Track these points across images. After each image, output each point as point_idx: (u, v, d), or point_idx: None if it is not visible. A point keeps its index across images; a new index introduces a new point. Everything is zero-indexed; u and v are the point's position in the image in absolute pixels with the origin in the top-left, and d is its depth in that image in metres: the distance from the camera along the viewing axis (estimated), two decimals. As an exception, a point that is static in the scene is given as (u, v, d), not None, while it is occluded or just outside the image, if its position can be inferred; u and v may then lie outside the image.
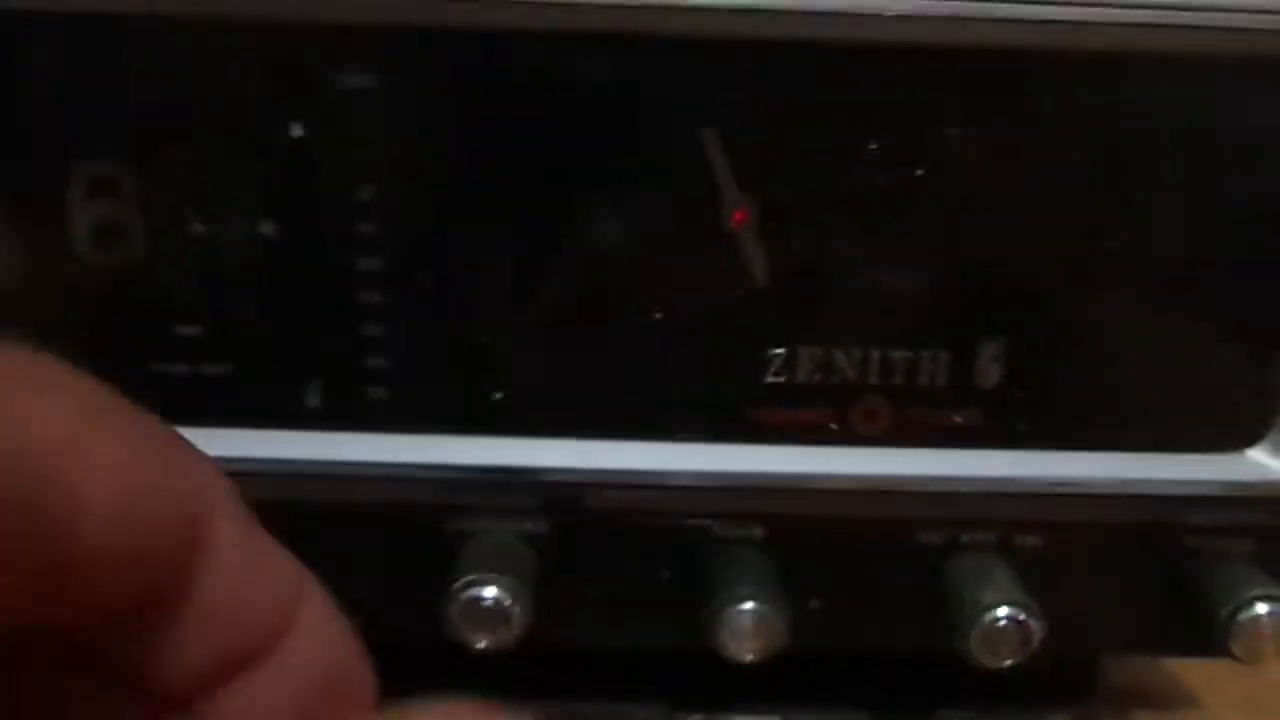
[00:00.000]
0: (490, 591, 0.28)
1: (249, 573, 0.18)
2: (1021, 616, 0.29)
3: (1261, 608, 0.29)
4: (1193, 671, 0.39)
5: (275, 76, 0.27)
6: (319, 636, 0.19)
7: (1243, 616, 0.29)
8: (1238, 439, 0.31)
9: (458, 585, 0.28)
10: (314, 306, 0.29)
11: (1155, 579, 0.31)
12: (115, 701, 0.18)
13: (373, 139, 0.28)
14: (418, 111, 0.28)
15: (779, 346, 0.30)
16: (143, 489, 0.16)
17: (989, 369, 0.30)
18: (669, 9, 0.27)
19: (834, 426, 0.31)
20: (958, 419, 0.31)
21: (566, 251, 0.29)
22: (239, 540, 0.18)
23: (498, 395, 0.30)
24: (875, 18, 0.26)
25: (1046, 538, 0.31)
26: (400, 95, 0.28)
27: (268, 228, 0.28)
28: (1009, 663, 0.29)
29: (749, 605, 0.29)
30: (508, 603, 0.28)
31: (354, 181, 0.28)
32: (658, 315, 0.30)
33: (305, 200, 0.28)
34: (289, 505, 0.24)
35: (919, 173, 0.29)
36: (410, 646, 0.25)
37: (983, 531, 0.31)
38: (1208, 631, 0.30)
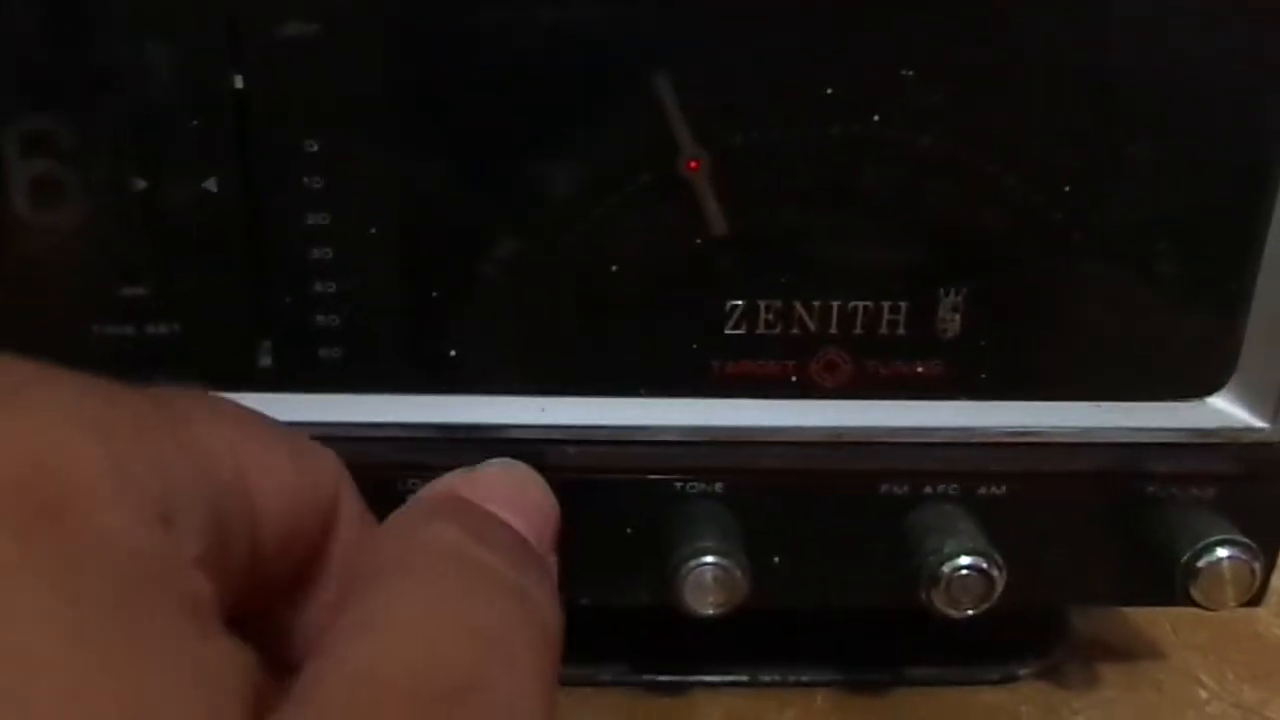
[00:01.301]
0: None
1: (364, 550, 0.21)
2: (983, 565, 0.29)
3: (1222, 552, 0.29)
4: (1156, 621, 0.40)
5: (214, 26, 0.26)
6: None
7: (1203, 562, 0.29)
8: (1199, 387, 0.31)
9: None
10: (262, 264, 0.29)
11: (1118, 527, 0.31)
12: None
13: (316, 89, 0.27)
14: (362, 61, 0.27)
15: (737, 298, 0.30)
16: (296, 485, 0.19)
17: (949, 319, 0.30)
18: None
19: (794, 379, 0.31)
20: (919, 370, 0.31)
21: (519, 204, 0.29)
22: (356, 516, 0.21)
23: (452, 352, 0.30)
24: (828, -41, 0.26)
25: (1009, 487, 0.31)
26: (344, 44, 0.27)
27: (211, 183, 0.27)
28: (970, 612, 0.29)
29: (710, 559, 0.28)
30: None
31: (298, 134, 0.27)
32: (613, 268, 0.29)
33: (249, 154, 0.27)
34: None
35: (875, 119, 0.28)
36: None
37: (945, 482, 0.31)
38: (1170, 579, 0.30)
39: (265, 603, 0.20)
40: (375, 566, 0.19)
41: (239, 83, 0.27)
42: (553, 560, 0.23)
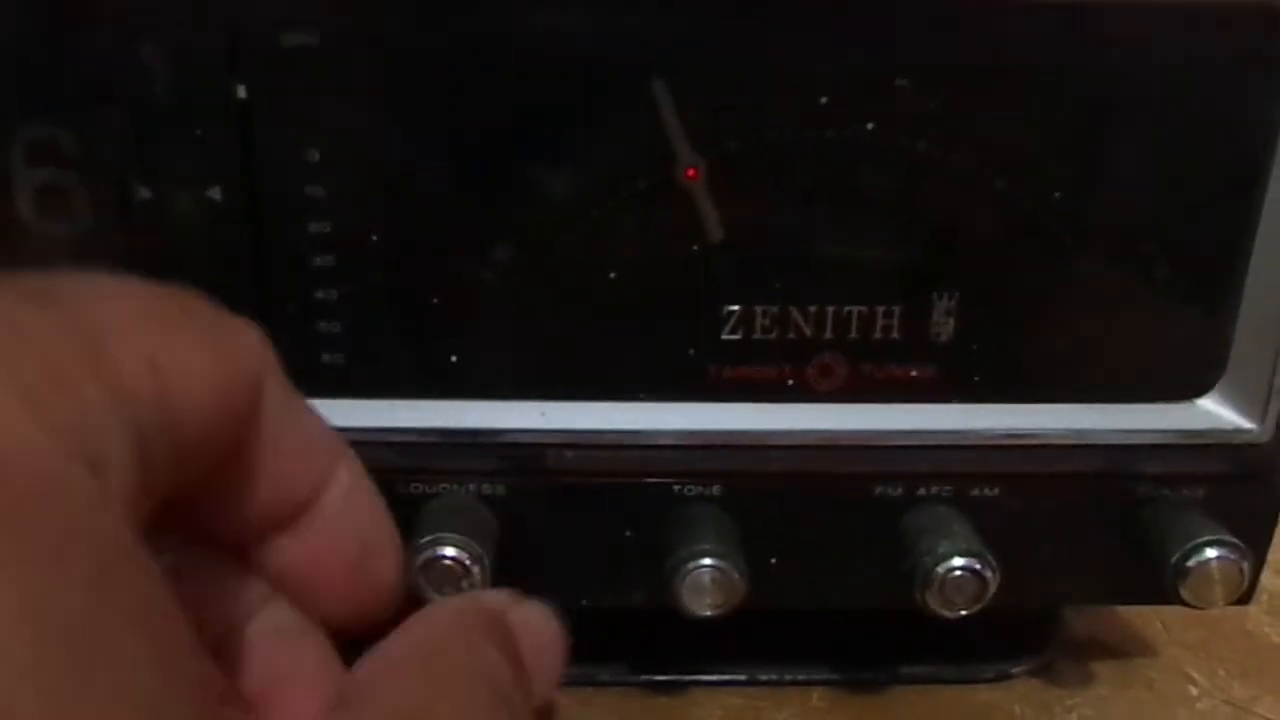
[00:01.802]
0: (450, 551, 0.28)
1: (292, 429, 0.21)
2: (977, 566, 0.29)
3: (1211, 552, 0.30)
4: (1149, 619, 0.40)
5: (217, 37, 0.27)
6: (353, 497, 0.23)
7: (1192, 562, 0.30)
8: (1188, 389, 0.32)
9: (418, 545, 0.28)
10: (265, 272, 0.29)
11: (1109, 528, 0.32)
12: (202, 568, 0.21)
13: (318, 99, 0.27)
14: (363, 71, 0.28)
15: (734, 303, 0.30)
16: (215, 376, 0.19)
17: (943, 323, 0.30)
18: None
19: (790, 382, 0.31)
20: (913, 373, 0.31)
21: (519, 211, 0.29)
22: (282, 400, 0.21)
23: (453, 358, 0.30)
24: (823, -30, 0.26)
25: (1002, 489, 0.31)
26: (344, 54, 0.27)
27: (215, 192, 0.28)
28: (964, 613, 0.30)
29: (707, 561, 0.29)
30: (468, 561, 0.28)
31: (300, 143, 0.28)
32: (611, 274, 0.30)
33: (252, 163, 0.28)
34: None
35: (870, 127, 0.29)
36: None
37: (939, 484, 0.31)
38: (1160, 578, 0.30)
39: (191, 488, 0.19)
40: (424, 645, 0.20)
41: (242, 93, 0.27)
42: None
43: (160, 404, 0.17)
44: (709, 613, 0.29)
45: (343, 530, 0.22)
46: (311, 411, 0.22)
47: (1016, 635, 0.38)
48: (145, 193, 0.28)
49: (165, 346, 0.18)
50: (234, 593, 0.22)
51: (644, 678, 0.37)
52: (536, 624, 0.23)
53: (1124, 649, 0.39)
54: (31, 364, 0.16)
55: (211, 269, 0.29)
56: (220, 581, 0.22)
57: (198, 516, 0.21)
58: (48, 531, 0.14)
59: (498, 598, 0.24)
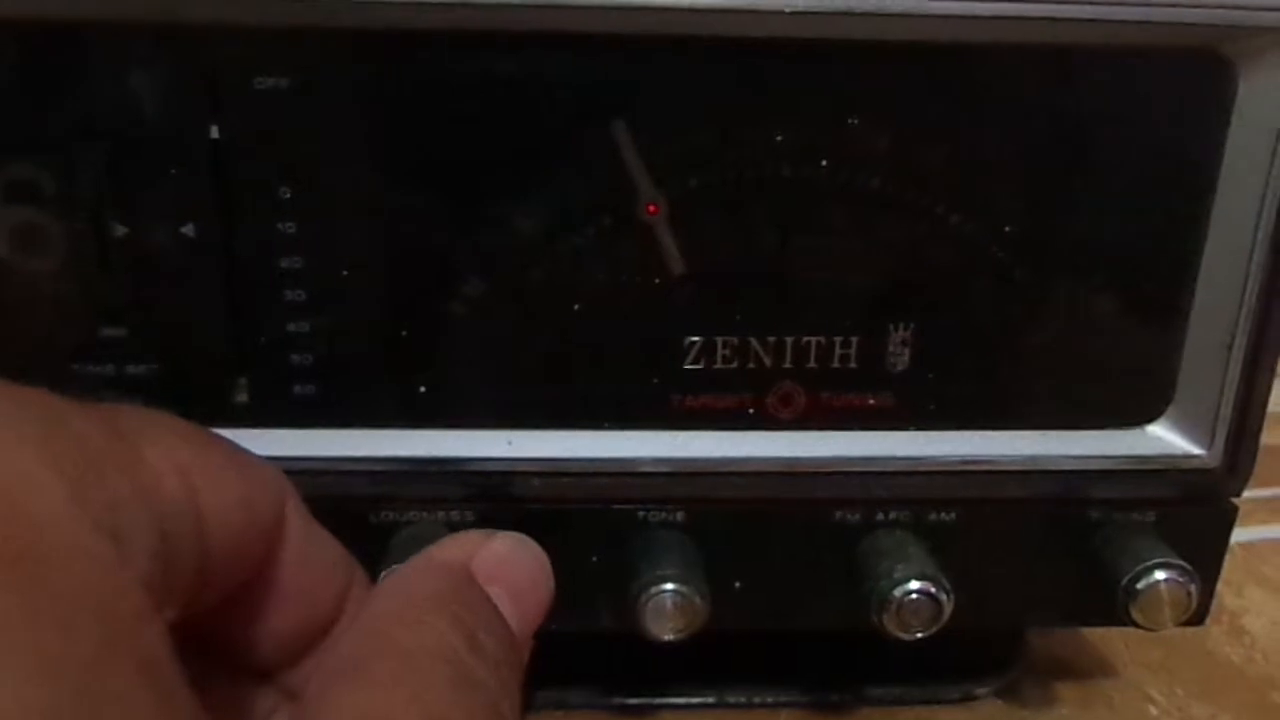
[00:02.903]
0: (418, 579, 0.29)
1: (313, 554, 0.23)
2: (932, 590, 0.30)
3: (1159, 575, 0.30)
4: (1111, 640, 0.41)
5: (192, 79, 0.28)
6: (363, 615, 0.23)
7: (1142, 584, 0.30)
8: (1138, 416, 0.32)
9: (385, 574, 0.29)
10: (238, 306, 0.30)
11: (1063, 551, 0.32)
12: (221, 681, 0.23)
13: (290, 139, 0.28)
14: (334, 112, 0.28)
15: (696, 335, 0.31)
16: (243, 500, 0.20)
17: (899, 353, 0.31)
18: (578, 8, 0.27)
19: (751, 411, 0.32)
20: (870, 402, 0.32)
21: (486, 246, 0.30)
22: (303, 528, 0.22)
23: (422, 388, 0.31)
24: (776, 14, 0.27)
25: (958, 514, 0.32)
26: (315, 96, 0.28)
27: (189, 229, 0.29)
28: (920, 635, 0.30)
29: (669, 586, 0.30)
30: (435, 590, 0.29)
31: (273, 181, 0.29)
32: (576, 307, 0.31)
33: (225, 201, 0.29)
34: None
35: (824, 164, 0.29)
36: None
37: (896, 509, 0.32)
38: (1111, 600, 0.31)
39: (216, 606, 0.21)
40: (372, 641, 0.20)
41: (215, 133, 0.28)
42: (529, 645, 0.24)
43: (188, 508, 0.19)
44: (671, 637, 0.30)
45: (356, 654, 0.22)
46: (329, 537, 0.23)
47: (981, 656, 0.39)
48: (121, 229, 0.29)
49: (196, 461, 0.20)
50: (248, 704, 0.23)
51: (614, 700, 0.37)
52: (510, 558, 0.24)
53: (1086, 669, 0.40)
54: (73, 452, 0.17)
55: (186, 303, 0.30)
56: (234, 693, 0.23)
57: (228, 648, 0.22)
58: (67, 595, 0.15)
59: (463, 543, 0.24)
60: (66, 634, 0.15)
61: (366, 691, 0.19)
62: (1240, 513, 0.51)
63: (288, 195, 0.29)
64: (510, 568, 0.24)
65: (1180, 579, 0.30)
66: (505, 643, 0.22)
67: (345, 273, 0.30)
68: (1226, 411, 0.31)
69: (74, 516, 0.16)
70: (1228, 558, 0.47)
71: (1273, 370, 0.31)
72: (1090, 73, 0.30)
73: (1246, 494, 0.53)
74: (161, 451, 0.19)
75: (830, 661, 0.38)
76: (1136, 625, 0.31)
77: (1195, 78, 0.29)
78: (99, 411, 0.19)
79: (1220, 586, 0.45)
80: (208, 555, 0.20)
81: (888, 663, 0.38)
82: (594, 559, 0.32)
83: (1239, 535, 0.48)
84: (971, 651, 0.39)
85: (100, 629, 0.15)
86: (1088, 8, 0.28)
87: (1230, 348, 0.31)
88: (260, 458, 0.22)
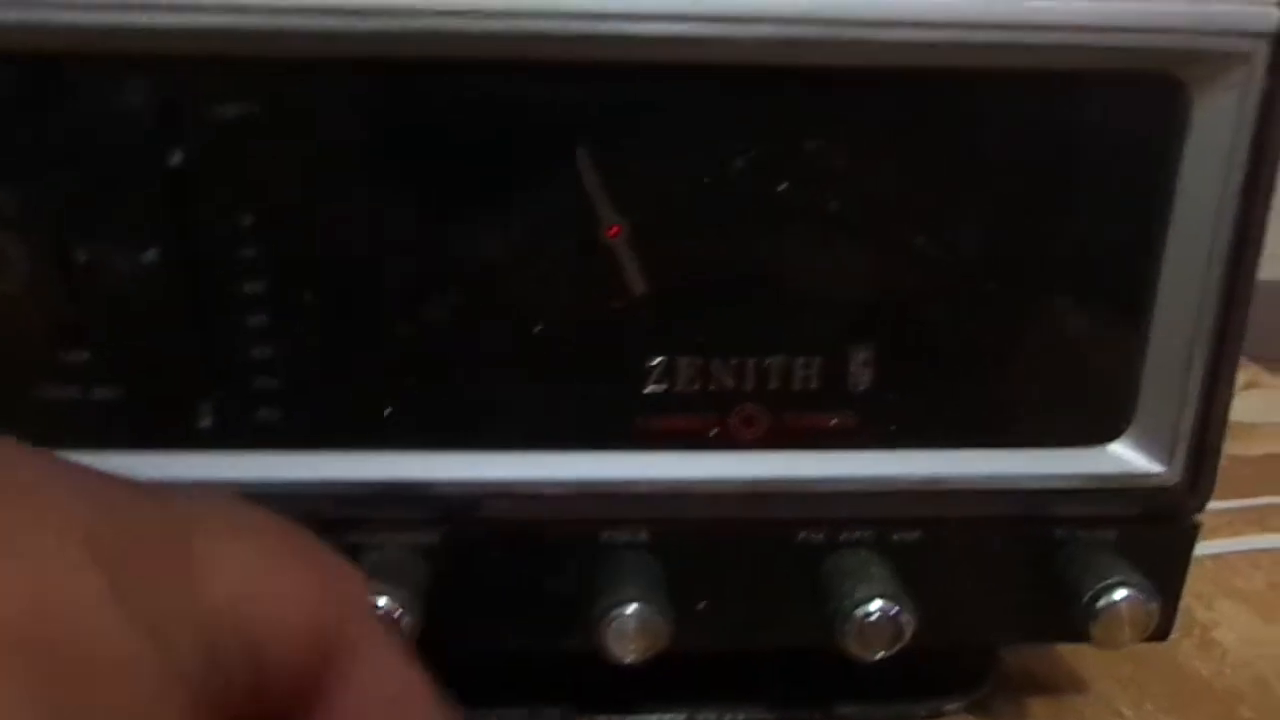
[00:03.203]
0: (382, 601, 0.29)
1: (386, 679, 0.20)
2: (894, 610, 0.30)
3: (1120, 593, 0.31)
4: (1081, 654, 0.41)
5: (154, 107, 0.28)
6: None
7: (1102, 603, 0.31)
8: (1099, 434, 0.33)
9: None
10: (202, 330, 0.30)
11: (1025, 569, 0.33)
12: None
13: (250, 166, 0.28)
14: (295, 138, 0.29)
15: (658, 356, 0.31)
16: (307, 618, 0.18)
17: (861, 373, 0.32)
18: (539, 36, 0.28)
19: (714, 432, 0.32)
20: (833, 422, 0.32)
21: (448, 269, 0.30)
22: (380, 650, 0.20)
23: (386, 411, 0.31)
24: (735, 41, 0.27)
25: (921, 533, 0.32)
26: (277, 122, 0.28)
27: (151, 255, 0.29)
28: (882, 655, 0.31)
29: (631, 608, 0.30)
30: (398, 613, 0.29)
31: (234, 207, 0.29)
32: (539, 329, 0.31)
33: (187, 227, 0.29)
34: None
35: (784, 187, 0.30)
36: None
37: (860, 529, 0.32)
38: (1073, 618, 0.31)
39: None
40: None
41: (177, 159, 0.28)
42: None
43: (241, 631, 0.18)
44: (633, 659, 0.30)
45: None
46: (410, 662, 0.21)
47: (952, 672, 0.39)
48: (83, 255, 0.29)
49: (259, 559, 0.18)
50: None
51: (584, 718, 0.37)
52: None
53: (1057, 684, 0.40)
54: (117, 534, 0.16)
55: (148, 328, 0.30)
56: None
57: None
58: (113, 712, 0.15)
59: None
60: None
61: None
62: (1211, 525, 0.51)
63: (249, 221, 0.29)
64: None
65: (1140, 597, 0.30)
66: None
67: (308, 297, 0.30)
68: (1186, 430, 0.31)
69: (119, 623, 0.16)
70: (1198, 570, 0.47)
71: (1230, 389, 0.31)
72: (1047, 96, 0.30)
73: (1217, 505, 0.53)
74: (218, 547, 0.18)
75: (801, 678, 0.38)
76: (1097, 643, 0.31)
77: (1150, 101, 0.29)
78: (153, 498, 0.18)
79: (1191, 599, 0.45)
80: (264, 665, 0.18)
81: (858, 679, 0.38)
82: (558, 580, 0.32)
83: (1210, 548, 0.49)
84: (942, 668, 0.39)
85: None
86: (1043, 33, 0.28)
87: (1188, 367, 0.31)
88: (340, 559, 0.20)
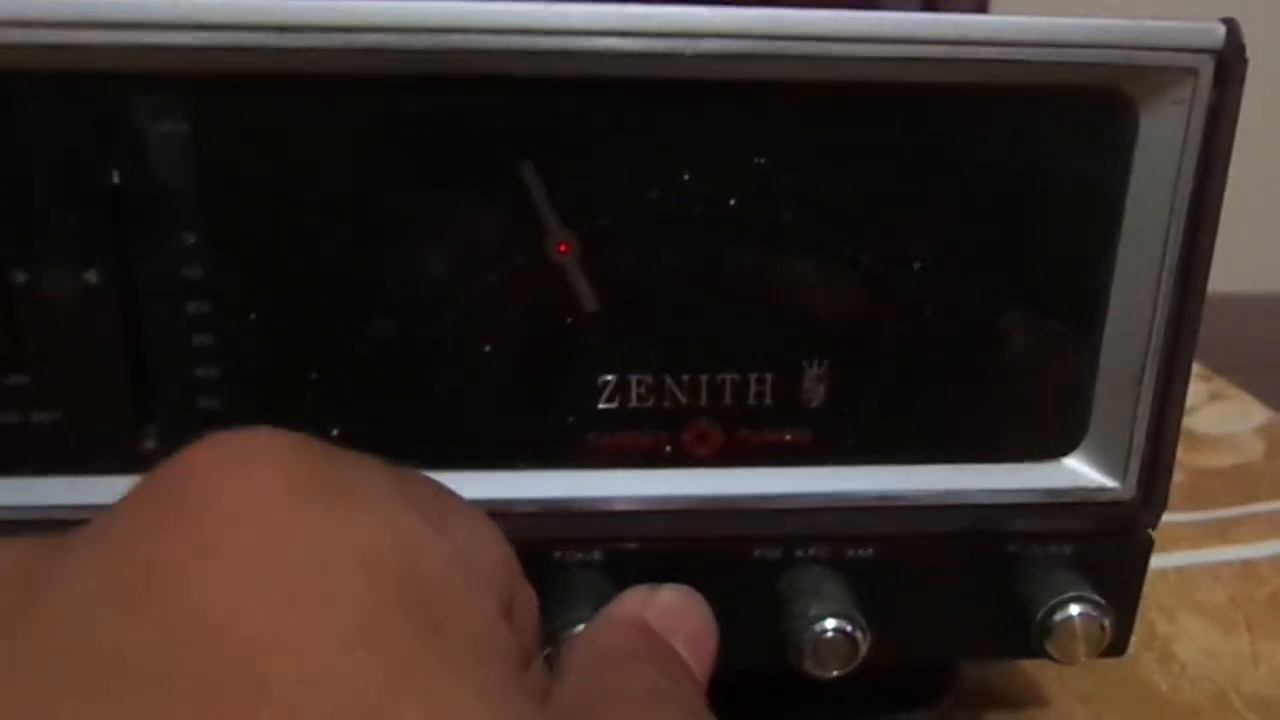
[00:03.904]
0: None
1: (527, 592, 0.24)
2: (848, 628, 0.30)
3: (1074, 609, 0.31)
4: (1043, 668, 0.41)
5: (93, 125, 0.27)
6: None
7: (1056, 618, 0.31)
8: (1053, 449, 0.33)
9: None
10: (144, 351, 0.29)
11: (980, 585, 0.33)
12: None
13: (191, 184, 0.28)
14: (237, 155, 0.28)
15: (609, 373, 0.31)
16: (503, 549, 0.23)
17: (814, 389, 0.31)
18: (482, 51, 0.27)
19: (667, 449, 0.32)
20: (786, 438, 0.32)
21: (396, 288, 0.30)
22: (525, 584, 0.24)
23: (334, 431, 0.31)
24: (677, 57, 0.27)
25: (876, 549, 0.32)
26: (218, 140, 0.28)
27: (91, 275, 0.28)
28: (837, 674, 0.30)
29: (581, 629, 0.29)
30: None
31: (176, 226, 0.28)
32: (488, 348, 0.30)
33: (129, 247, 0.28)
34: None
35: (732, 203, 0.30)
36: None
37: (815, 546, 0.32)
38: (1028, 634, 0.31)
39: None
40: (596, 688, 0.22)
41: (116, 178, 0.28)
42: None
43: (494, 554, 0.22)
44: (585, 680, 0.30)
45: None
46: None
47: (911, 686, 0.39)
48: (21, 276, 0.28)
49: (482, 525, 0.22)
50: None
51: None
52: (681, 609, 0.25)
53: (1017, 699, 0.40)
54: (429, 503, 0.21)
55: (91, 350, 0.29)
56: None
57: None
58: (471, 637, 0.18)
59: (635, 599, 0.26)
60: (479, 666, 0.17)
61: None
62: (1174, 537, 0.51)
63: (191, 241, 0.28)
64: (683, 618, 0.25)
65: (1094, 613, 0.30)
66: (695, 685, 0.24)
67: (253, 316, 0.29)
68: (1139, 444, 0.31)
69: (453, 566, 0.19)
70: (1161, 583, 0.48)
71: (1183, 402, 0.31)
72: (996, 112, 0.30)
73: (1181, 518, 0.53)
74: (461, 506, 0.22)
75: (757, 692, 0.38)
76: (1052, 659, 0.31)
77: (1098, 118, 0.30)
78: (408, 471, 0.22)
79: (1154, 612, 0.45)
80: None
81: (816, 692, 0.38)
82: (512, 600, 0.32)
83: (1172, 560, 0.49)
84: (902, 681, 0.39)
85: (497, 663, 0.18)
86: (990, 49, 0.28)
87: (1140, 381, 0.31)
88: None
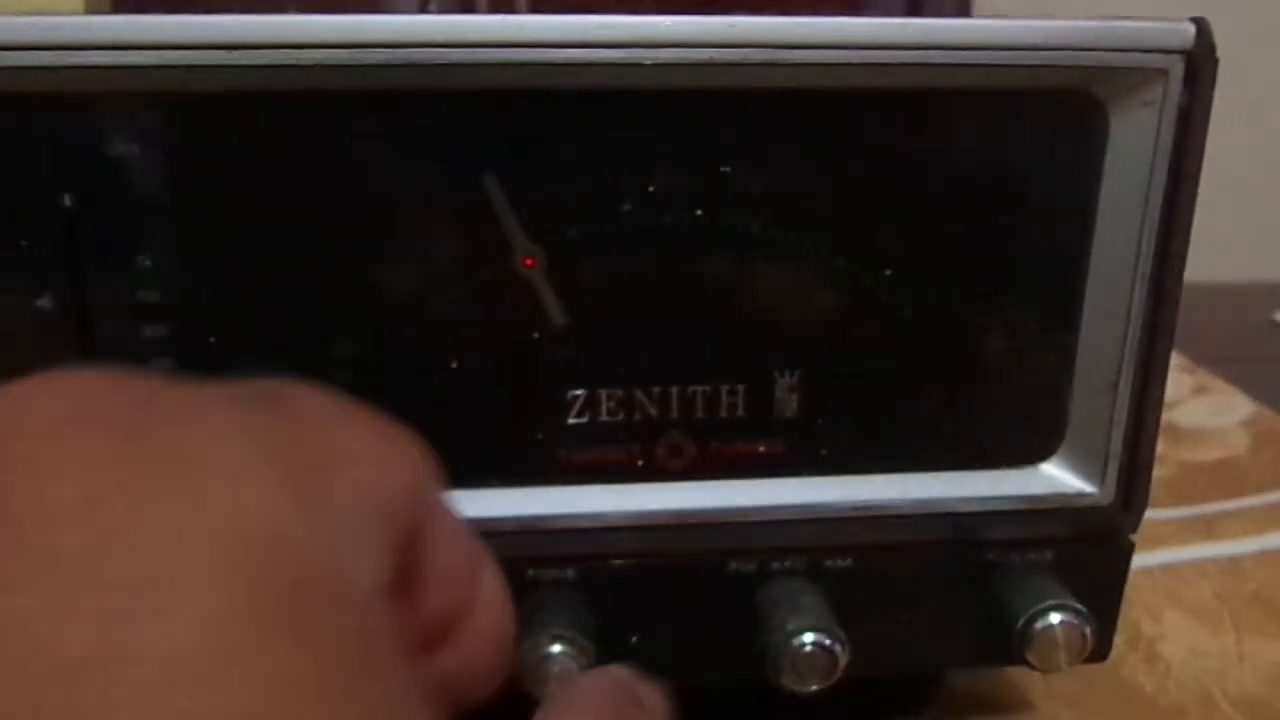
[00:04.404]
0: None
1: (454, 536, 0.22)
2: (826, 642, 0.30)
3: (1054, 617, 0.30)
4: (1029, 675, 0.40)
5: (42, 147, 0.27)
6: (496, 602, 0.23)
7: (1037, 627, 0.30)
8: (1031, 455, 0.32)
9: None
10: (102, 375, 0.29)
11: (960, 594, 0.32)
12: None
13: (145, 206, 0.27)
14: (193, 176, 0.28)
15: (579, 388, 0.30)
16: (407, 477, 0.20)
17: (786, 400, 0.31)
18: (441, 66, 0.27)
19: (640, 463, 0.31)
20: (760, 450, 0.31)
21: (359, 305, 0.29)
22: (446, 508, 0.21)
23: (300, 453, 0.30)
24: (638, 66, 0.27)
25: (854, 560, 0.32)
26: (172, 161, 0.27)
27: (45, 300, 0.28)
28: (816, 688, 0.30)
29: (556, 649, 0.29)
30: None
31: (130, 250, 0.28)
32: (455, 364, 0.30)
33: (81, 271, 0.28)
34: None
35: (700, 212, 0.29)
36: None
37: (792, 558, 0.31)
38: (1008, 642, 0.31)
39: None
40: None
41: (68, 201, 0.27)
42: None
43: (379, 501, 0.18)
44: (558, 701, 0.29)
45: (492, 635, 0.23)
46: (461, 520, 0.22)
47: (898, 694, 0.39)
48: (-26, 302, 0.28)
49: (375, 441, 0.19)
50: None
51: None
52: (653, 693, 0.25)
53: (1003, 704, 0.40)
54: (286, 453, 0.17)
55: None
56: None
57: None
58: (337, 632, 0.15)
59: (623, 672, 0.25)
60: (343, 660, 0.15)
61: None
62: (1160, 534, 0.51)
63: (147, 264, 0.28)
64: (658, 705, 0.25)
65: (1074, 621, 0.30)
66: None
67: (212, 340, 0.29)
68: (1117, 449, 0.31)
69: (327, 548, 0.16)
70: (1147, 581, 0.47)
71: (1160, 405, 0.31)
72: (966, 117, 0.29)
73: (1167, 514, 0.53)
74: (350, 442, 0.19)
75: (739, 702, 0.38)
76: (1032, 667, 0.31)
77: (1068, 120, 0.29)
78: (277, 400, 0.19)
79: (1139, 612, 0.45)
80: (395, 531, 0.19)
81: (801, 702, 0.37)
82: (485, 620, 0.31)
83: (1158, 557, 0.49)
84: (887, 689, 0.38)
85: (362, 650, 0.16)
86: (957, 53, 0.28)
87: (1116, 386, 0.31)
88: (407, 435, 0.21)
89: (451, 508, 0.22)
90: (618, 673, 0.25)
